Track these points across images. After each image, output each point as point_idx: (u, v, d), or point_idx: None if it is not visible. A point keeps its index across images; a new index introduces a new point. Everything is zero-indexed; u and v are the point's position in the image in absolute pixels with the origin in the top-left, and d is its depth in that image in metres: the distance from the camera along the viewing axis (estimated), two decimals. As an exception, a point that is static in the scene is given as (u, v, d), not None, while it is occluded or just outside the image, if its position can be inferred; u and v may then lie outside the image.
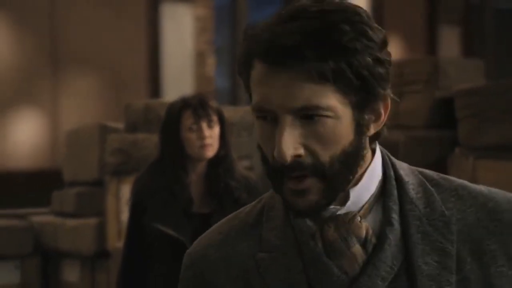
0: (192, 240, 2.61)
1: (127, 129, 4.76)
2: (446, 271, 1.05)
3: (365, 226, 1.06)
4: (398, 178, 1.09)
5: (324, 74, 0.99)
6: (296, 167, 1.01)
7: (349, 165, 1.04)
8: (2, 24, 7.95)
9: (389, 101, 1.06)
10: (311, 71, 0.99)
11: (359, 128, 1.04)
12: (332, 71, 1.00)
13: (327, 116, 1.01)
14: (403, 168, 1.12)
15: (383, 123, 1.07)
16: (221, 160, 2.66)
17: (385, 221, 1.07)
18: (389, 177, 1.09)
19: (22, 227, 5.08)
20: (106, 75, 8.16)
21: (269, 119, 1.03)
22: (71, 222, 4.90)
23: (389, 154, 1.13)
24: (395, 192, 1.08)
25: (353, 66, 1.00)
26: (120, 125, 4.88)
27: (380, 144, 1.12)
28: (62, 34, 7.98)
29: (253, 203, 1.15)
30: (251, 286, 1.08)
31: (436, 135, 4.68)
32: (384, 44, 1.04)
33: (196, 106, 2.64)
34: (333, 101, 1.01)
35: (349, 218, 1.06)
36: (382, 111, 1.06)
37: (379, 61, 1.03)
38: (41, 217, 5.25)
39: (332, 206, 1.06)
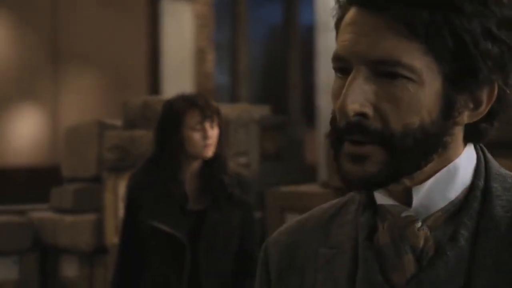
0: (189, 236, 2.66)
1: (125, 126, 4.78)
2: None
3: (424, 235, 0.88)
4: (487, 190, 0.90)
5: (414, 25, 0.84)
6: (360, 129, 0.85)
7: (425, 146, 0.86)
8: (4, 22, 7.98)
9: (496, 90, 0.88)
10: (400, 18, 0.84)
11: (448, 108, 0.86)
12: (425, 24, 0.84)
13: (409, 78, 0.84)
14: (505, 180, 0.92)
15: (481, 115, 0.89)
16: (216, 158, 2.69)
17: (450, 236, 0.89)
18: (475, 187, 0.90)
19: (21, 223, 5.11)
20: (106, 72, 8.18)
21: (346, 71, 0.88)
22: (69, 218, 4.93)
23: (490, 159, 0.94)
24: (475, 205, 0.89)
25: (453, 25, 0.84)
26: (118, 122, 4.90)
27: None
28: (63, 32, 8.01)
29: (346, 195, 1.01)
30: (304, 281, 0.96)
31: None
32: (508, 22, 0.86)
33: (203, 106, 2.67)
34: (419, 62, 0.84)
35: (407, 221, 0.89)
36: (485, 100, 0.88)
37: (492, 36, 0.85)
38: (40, 213, 5.28)
39: (393, 203, 0.90)
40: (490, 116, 0.90)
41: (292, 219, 1.06)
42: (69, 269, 4.96)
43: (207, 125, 2.66)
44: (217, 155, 2.69)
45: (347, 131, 0.86)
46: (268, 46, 9.36)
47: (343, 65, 0.88)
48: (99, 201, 4.82)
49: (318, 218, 1.00)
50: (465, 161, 0.91)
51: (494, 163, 0.93)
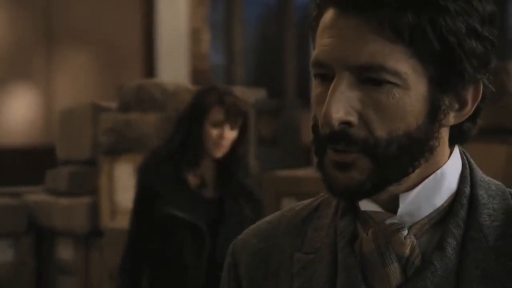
0: (207, 224, 2.68)
1: (120, 108, 4.77)
2: None
3: (411, 243, 0.86)
4: (474, 198, 0.88)
5: (398, 28, 0.80)
6: (344, 138, 0.83)
7: (411, 153, 0.84)
8: (-4, 0, 7.91)
9: (481, 89, 0.86)
10: (384, 21, 0.81)
11: (434, 111, 0.84)
12: (410, 27, 0.80)
13: (393, 84, 0.82)
14: (489, 187, 0.90)
15: (467, 116, 0.86)
16: (240, 162, 2.71)
17: (436, 244, 0.86)
18: (460, 194, 0.88)
19: (15, 206, 5.10)
20: (101, 52, 8.14)
21: (327, 78, 0.85)
22: (64, 201, 4.93)
23: (474, 166, 0.91)
24: (461, 213, 0.87)
25: (438, 26, 0.81)
26: (113, 104, 4.89)
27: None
28: (56, 11, 7.95)
29: (317, 197, 0.98)
30: (279, 287, 0.93)
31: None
32: (490, 18, 0.84)
33: (230, 106, 2.65)
34: (404, 66, 0.81)
35: (393, 229, 0.86)
36: (470, 100, 0.86)
37: (475, 34, 0.82)
38: (34, 196, 5.27)
39: (377, 209, 0.87)
40: (474, 115, 0.88)
41: (286, 204, 1.01)
42: (65, 252, 4.97)
43: (227, 126, 2.64)
44: (236, 153, 2.69)
45: (331, 140, 0.83)
46: (263, 27, 9.32)
47: (324, 71, 0.85)
48: (94, 184, 4.82)
49: (290, 220, 0.97)
50: (452, 167, 0.88)
51: (478, 170, 0.91)
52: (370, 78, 0.82)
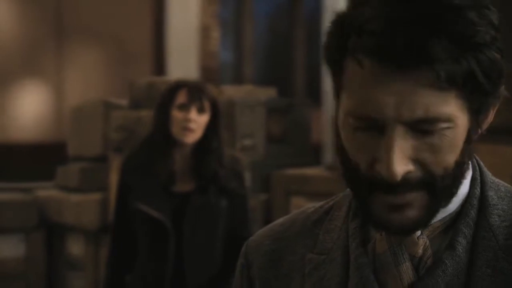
0: (172, 219, 2.62)
1: (131, 106, 4.80)
2: None
3: (423, 244, 0.88)
4: (484, 199, 0.90)
5: (454, 78, 0.80)
6: (404, 184, 0.84)
7: (458, 176, 0.87)
8: (7, -4, 7.94)
9: (493, 114, 0.90)
10: (439, 74, 0.80)
11: (471, 133, 0.87)
12: (464, 74, 0.81)
13: (447, 128, 0.83)
14: (499, 189, 0.93)
15: (488, 124, 0.90)
16: (213, 151, 2.65)
17: (448, 244, 0.88)
18: (471, 195, 0.90)
19: (26, 201, 5.14)
20: (111, 48, 8.16)
21: (372, 127, 0.84)
22: (75, 197, 4.96)
23: (484, 169, 0.94)
24: (472, 214, 0.89)
25: (483, 66, 0.82)
26: (123, 102, 4.92)
27: None
28: (67, 7, 7.97)
29: (328, 199, 1.00)
30: None
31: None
32: (497, 35, 0.85)
33: (191, 87, 2.64)
34: (454, 109, 0.83)
35: None
36: (492, 112, 0.89)
37: (494, 63, 0.83)
38: (45, 191, 5.31)
39: None
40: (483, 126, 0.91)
41: (296, 205, 1.02)
42: (75, 247, 5.00)
43: (193, 108, 2.61)
44: (215, 148, 2.64)
45: (390, 189, 0.84)
46: (273, 24, 9.32)
47: (369, 125, 0.84)
48: (104, 180, 4.84)
49: (302, 223, 0.98)
50: (466, 172, 0.90)
51: (487, 172, 0.93)
52: (425, 128, 0.83)
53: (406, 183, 0.84)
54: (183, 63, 7.77)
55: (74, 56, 8.04)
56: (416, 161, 0.84)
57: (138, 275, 2.69)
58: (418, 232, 0.87)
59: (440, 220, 0.89)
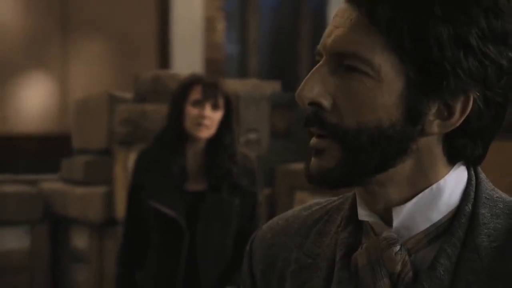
0: (186, 217, 2.61)
1: (136, 99, 4.81)
2: None
3: (402, 259, 0.85)
4: (474, 217, 0.86)
5: (376, 18, 0.82)
6: (316, 121, 0.84)
7: (382, 149, 0.83)
8: (12, -12, 7.95)
9: (470, 102, 0.83)
10: (366, 12, 0.83)
11: (414, 112, 0.83)
12: (387, 19, 0.81)
13: (365, 73, 0.82)
14: (495, 205, 0.87)
15: (453, 126, 0.84)
16: (219, 142, 2.65)
17: (430, 263, 0.85)
18: (461, 212, 0.86)
19: (32, 194, 5.16)
20: (115, 41, 8.17)
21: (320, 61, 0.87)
22: (80, 190, 4.97)
23: (482, 184, 0.89)
24: (459, 233, 0.85)
25: (415, 26, 0.81)
26: (128, 95, 4.93)
27: None
28: (72, 0, 7.98)
29: (335, 198, 0.98)
30: (283, 286, 0.94)
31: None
32: (499, 36, 0.81)
33: (206, 83, 2.63)
34: (379, 58, 0.82)
35: (386, 244, 0.85)
36: (457, 111, 0.83)
37: (465, 45, 0.80)
38: (50, 184, 5.33)
39: (376, 220, 0.87)
40: (471, 132, 0.85)
41: (299, 199, 1.01)
42: (80, 240, 5.02)
43: (208, 104, 2.61)
44: (228, 144, 2.64)
45: (306, 121, 0.85)
46: (278, 17, 9.31)
47: (319, 59, 0.87)
48: (109, 174, 4.86)
49: (304, 220, 0.97)
50: (452, 182, 0.86)
51: (487, 186, 0.89)
52: (345, 65, 0.83)
53: (319, 121, 0.84)
54: (187, 56, 7.78)
55: (79, 49, 8.05)
56: (334, 103, 0.84)
57: (149, 273, 2.68)
58: (397, 248, 0.85)
59: (423, 231, 0.86)
